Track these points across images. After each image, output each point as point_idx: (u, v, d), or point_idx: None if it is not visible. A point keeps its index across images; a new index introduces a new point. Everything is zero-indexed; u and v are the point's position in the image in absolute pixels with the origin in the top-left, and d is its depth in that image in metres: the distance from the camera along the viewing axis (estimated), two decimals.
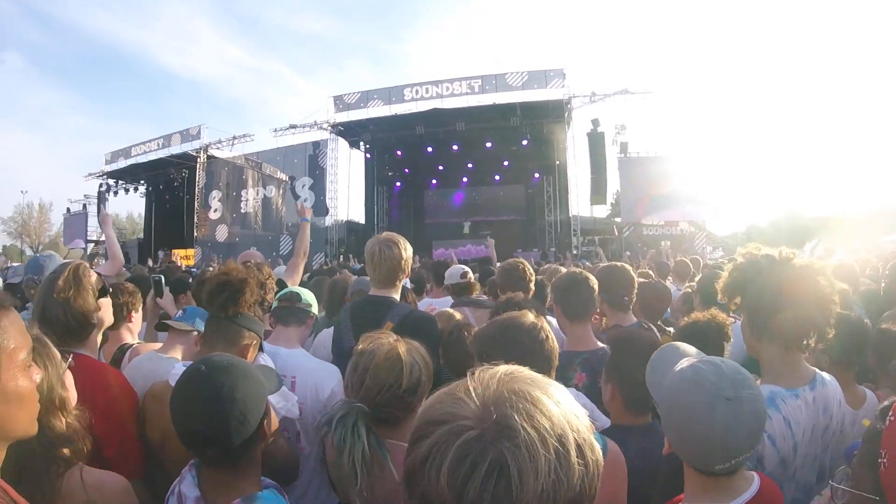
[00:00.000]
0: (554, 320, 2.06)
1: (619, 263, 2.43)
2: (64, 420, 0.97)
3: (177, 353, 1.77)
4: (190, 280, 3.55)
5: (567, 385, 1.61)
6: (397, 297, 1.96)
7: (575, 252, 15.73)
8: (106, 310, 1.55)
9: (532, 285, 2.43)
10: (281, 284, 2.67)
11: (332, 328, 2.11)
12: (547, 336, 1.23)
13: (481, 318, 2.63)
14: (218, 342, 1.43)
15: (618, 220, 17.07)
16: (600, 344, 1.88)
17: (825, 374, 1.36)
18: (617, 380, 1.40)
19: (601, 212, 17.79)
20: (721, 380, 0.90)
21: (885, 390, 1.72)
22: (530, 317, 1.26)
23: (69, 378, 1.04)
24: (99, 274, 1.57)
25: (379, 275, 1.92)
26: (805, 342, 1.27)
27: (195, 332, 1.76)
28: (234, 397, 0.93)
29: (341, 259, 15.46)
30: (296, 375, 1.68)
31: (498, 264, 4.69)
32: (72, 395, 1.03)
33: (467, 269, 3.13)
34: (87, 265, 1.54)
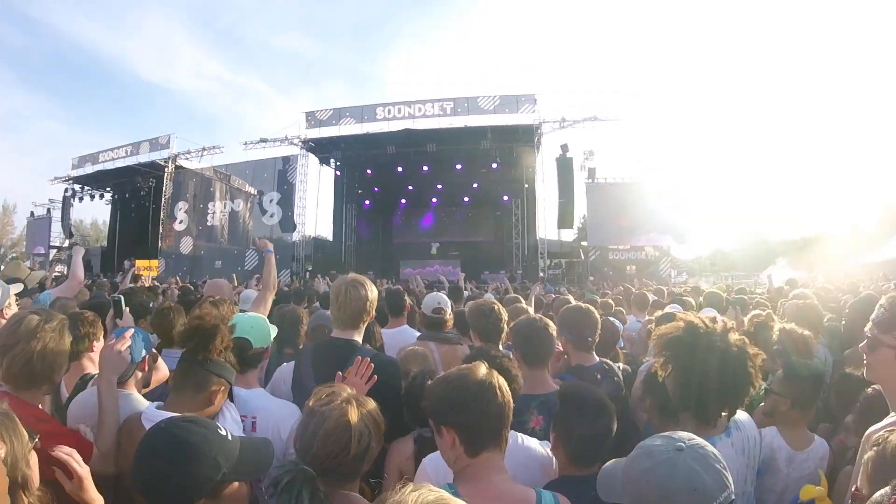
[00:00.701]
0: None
1: (583, 305, 2.49)
2: (26, 501, 0.94)
3: (132, 387, 1.73)
4: (151, 305, 3.47)
5: (524, 429, 1.67)
6: (360, 338, 1.96)
7: (541, 275, 15.87)
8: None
9: (505, 326, 2.35)
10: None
11: (291, 363, 2.07)
12: (496, 392, 1.21)
13: (447, 353, 2.61)
14: (187, 387, 1.46)
15: (584, 243, 17.31)
16: (556, 386, 1.92)
17: (740, 417, 1.42)
18: (561, 432, 1.46)
19: (568, 235, 18.06)
20: (667, 441, 0.94)
21: (848, 436, 1.78)
22: (481, 372, 1.24)
23: (34, 457, 1.01)
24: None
25: (343, 315, 1.91)
26: (718, 417, 1.35)
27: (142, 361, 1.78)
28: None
29: (307, 276, 15.25)
30: (256, 416, 1.70)
31: (468, 298, 4.61)
32: (35, 475, 1.00)
33: (444, 302, 2.91)
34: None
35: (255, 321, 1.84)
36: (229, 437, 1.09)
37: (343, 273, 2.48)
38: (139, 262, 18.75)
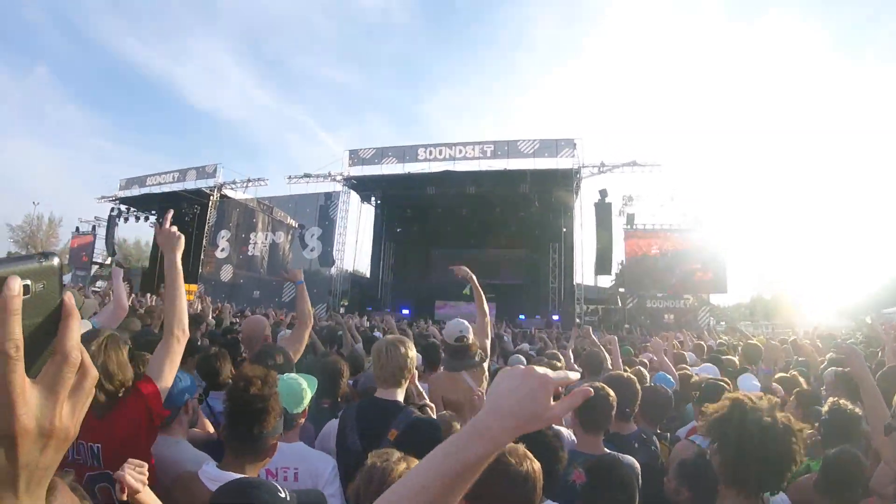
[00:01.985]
0: None
1: (625, 374, 2.55)
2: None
3: (180, 434, 1.84)
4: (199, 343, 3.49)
5: (566, 481, 1.73)
6: (402, 397, 2.03)
7: (578, 321, 15.71)
8: None
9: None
10: (286, 356, 2.56)
11: (336, 421, 2.15)
12: (523, 481, 1.23)
13: (475, 375, 2.66)
14: (247, 455, 1.51)
15: (622, 290, 17.12)
16: (606, 451, 2.02)
17: (779, 499, 1.47)
18: (589, 501, 1.54)
19: (605, 281, 17.91)
20: None
21: None
22: (512, 457, 1.26)
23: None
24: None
25: (384, 374, 2.00)
26: (762, 493, 1.40)
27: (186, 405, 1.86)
28: None
29: (342, 311, 15.45)
30: (298, 467, 1.79)
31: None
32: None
33: (465, 329, 2.85)
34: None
35: (289, 388, 1.85)
36: (287, 498, 1.17)
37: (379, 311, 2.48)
38: None
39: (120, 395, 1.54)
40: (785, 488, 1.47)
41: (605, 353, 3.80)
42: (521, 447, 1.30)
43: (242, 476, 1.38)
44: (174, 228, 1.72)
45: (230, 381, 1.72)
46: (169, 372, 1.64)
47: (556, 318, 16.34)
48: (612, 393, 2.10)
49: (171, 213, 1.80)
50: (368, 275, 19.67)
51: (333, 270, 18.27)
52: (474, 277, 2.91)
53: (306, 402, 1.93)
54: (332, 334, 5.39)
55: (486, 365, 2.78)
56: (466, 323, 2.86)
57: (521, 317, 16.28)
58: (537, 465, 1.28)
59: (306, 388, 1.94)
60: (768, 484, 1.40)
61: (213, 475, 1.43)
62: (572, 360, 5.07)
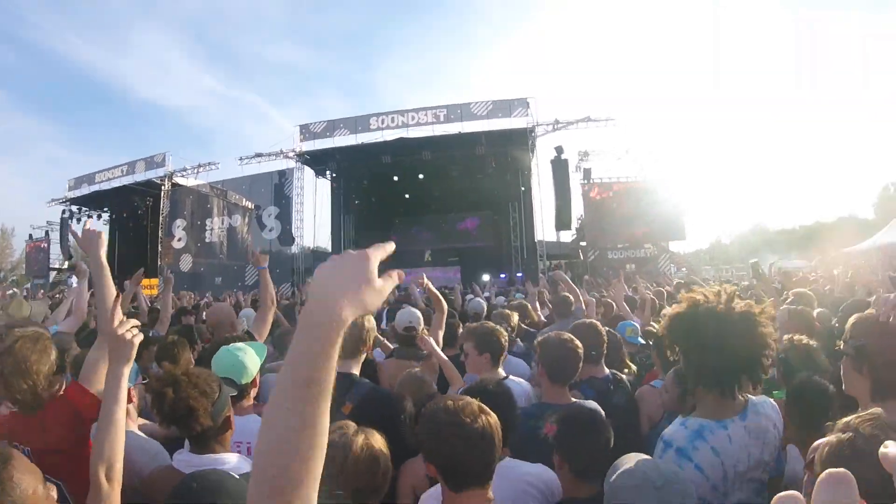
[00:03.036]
0: None
1: (587, 321, 2.64)
2: None
3: (131, 422, 1.81)
4: (150, 333, 3.40)
5: (537, 434, 1.75)
6: (357, 369, 1.97)
7: (541, 276, 15.87)
8: None
9: (505, 341, 2.40)
10: (248, 337, 2.63)
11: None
12: (481, 435, 1.21)
13: (425, 367, 2.62)
14: (207, 441, 1.51)
15: (583, 244, 17.36)
16: (574, 400, 2.03)
17: (757, 400, 1.41)
18: (563, 451, 1.53)
19: (567, 236, 18.09)
20: (653, 472, 1.06)
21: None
22: (468, 413, 1.24)
23: None
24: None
25: (342, 345, 1.94)
26: (737, 385, 1.34)
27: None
28: None
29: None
30: (251, 442, 1.76)
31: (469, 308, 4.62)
32: None
33: (416, 318, 2.95)
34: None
35: (233, 359, 1.86)
36: (243, 481, 1.17)
37: None
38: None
39: (44, 396, 1.50)
40: (761, 381, 1.39)
41: (573, 297, 3.85)
42: (476, 403, 1.27)
43: (193, 475, 1.29)
44: (92, 228, 1.72)
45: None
46: (102, 373, 1.54)
47: (519, 275, 16.49)
48: (579, 344, 2.09)
49: (87, 221, 1.79)
50: (330, 249, 19.39)
51: (295, 248, 17.95)
52: (431, 285, 3.06)
53: (253, 371, 1.87)
54: (290, 311, 5.31)
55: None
56: (418, 314, 2.97)
57: (485, 276, 16.36)
58: (494, 418, 1.25)
59: (250, 356, 1.88)
60: (743, 374, 1.33)
61: (189, 461, 1.45)
62: (538, 306, 5.11)
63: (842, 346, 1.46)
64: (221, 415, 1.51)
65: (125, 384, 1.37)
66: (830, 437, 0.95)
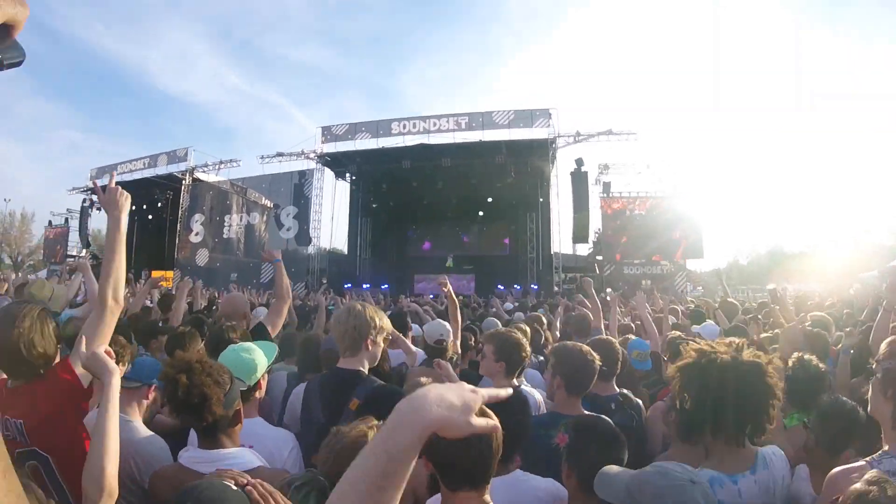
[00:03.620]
0: None
1: (605, 338, 2.61)
2: None
3: (136, 414, 1.82)
4: (160, 324, 3.47)
5: (549, 442, 1.75)
6: (365, 366, 1.95)
7: (556, 290, 15.80)
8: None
9: (525, 355, 2.38)
10: (262, 328, 2.66)
11: (304, 386, 2.13)
12: (478, 438, 1.20)
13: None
14: (216, 433, 1.49)
15: (600, 257, 17.24)
16: (586, 412, 2.01)
17: (767, 451, 1.42)
18: (573, 461, 1.51)
19: (583, 249, 17.99)
20: (683, 471, 1.05)
21: None
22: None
23: None
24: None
25: (345, 342, 1.92)
26: (743, 436, 1.36)
27: (147, 387, 1.84)
28: None
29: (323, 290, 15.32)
30: (252, 444, 1.72)
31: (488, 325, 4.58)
32: None
33: (446, 331, 2.95)
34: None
35: (239, 362, 1.79)
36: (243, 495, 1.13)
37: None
38: (154, 273, 19.01)
39: (41, 370, 1.50)
40: (766, 431, 1.39)
41: (592, 316, 3.79)
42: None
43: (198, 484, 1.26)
44: (119, 189, 1.61)
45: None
46: (103, 340, 1.53)
47: (534, 287, 16.42)
48: (597, 357, 2.08)
49: (114, 178, 1.72)
50: (346, 252, 19.50)
51: (311, 249, 18.07)
52: (450, 289, 3.13)
53: (260, 372, 1.84)
54: (301, 310, 5.27)
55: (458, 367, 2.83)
56: (448, 326, 2.94)
57: (500, 287, 16.30)
58: (495, 421, 1.27)
59: (257, 357, 1.84)
60: (748, 424, 1.34)
61: (199, 457, 1.42)
62: (558, 325, 5.05)
63: (873, 366, 1.44)
64: (233, 406, 1.48)
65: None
66: (858, 486, 0.97)
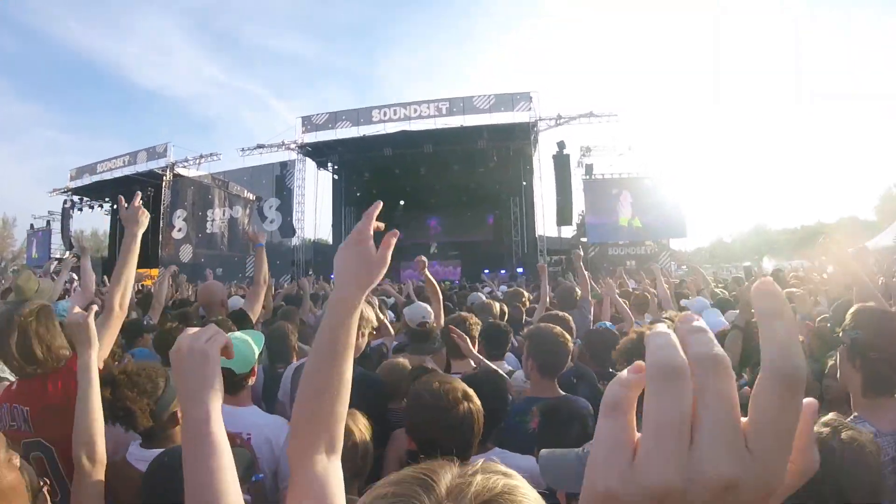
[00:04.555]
0: None
1: (560, 313, 2.63)
2: None
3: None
4: (145, 322, 3.43)
5: (524, 428, 1.78)
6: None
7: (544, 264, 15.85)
8: None
9: (477, 335, 2.42)
10: (242, 314, 2.67)
11: (294, 366, 2.17)
12: (456, 411, 1.24)
13: (438, 360, 2.68)
14: (156, 437, 1.51)
15: (584, 239, 17.34)
16: (561, 392, 2.01)
17: None
18: (544, 445, 1.51)
19: (567, 232, 18.07)
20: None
21: None
22: (446, 389, 1.27)
23: None
24: None
25: None
26: None
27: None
28: None
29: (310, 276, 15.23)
30: (251, 432, 1.77)
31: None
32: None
33: (427, 312, 2.94)
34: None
35: (238, 350, 1.86)
36: None
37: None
38: (140, 271, 18.79)
39: (53, 364, 1.55)
40: None
41: (581, 289, 3.80)
42: (462, 388, 1.28)
43: (164, 451, 1.30)
44: (141, 208, 1.79)
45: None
46: (106, 346, 1.64)
47: (520, 270, 16.48)
48: (568, 338, 2.08)
49: (139, 197, 1.84)
50: (331, 241, 19.41)
51: (295, 240, 17.96)
52: (427, 272, 3.10)
53: (251, 361, 1.86)
54: (291, 299, 5.22)
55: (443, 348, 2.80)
56: (429, 308, 2.92)
57: (486, 271, 16.34)
58: (476, 404, 1.27)
59: (248, 347, 1.85)
60: None
61: (139, 455, 1.45)
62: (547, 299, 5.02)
63: (840, 335, 1.44)
64: (166, 412, 1.49)
65: (94, 366, 1.40)
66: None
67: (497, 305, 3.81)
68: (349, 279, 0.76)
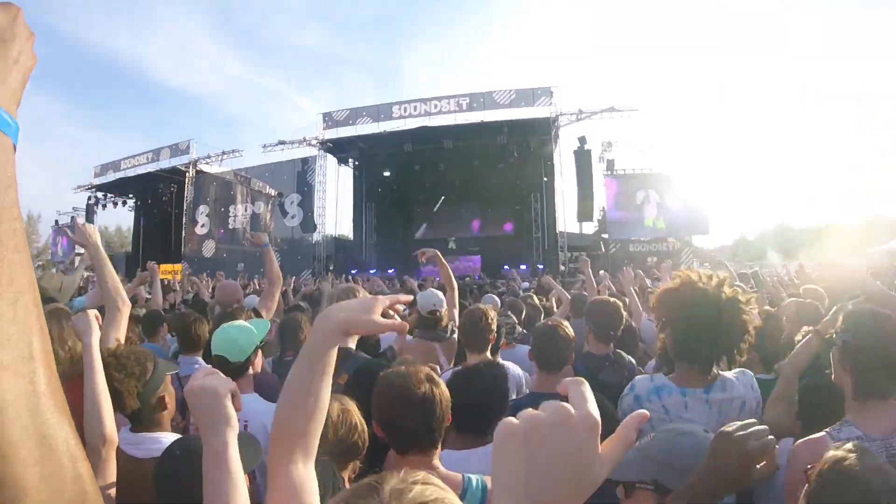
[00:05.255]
0: None
1: (612, 299, 2.57)
2: None
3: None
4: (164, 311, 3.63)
5: None
6: (353, 343, 2.03)
7: (562, 268, 15.78)
8: None
9: (492, 336, 2.41)
10: (256, 314, 2.68)
11: None
12: (420, 400, 1.25)
13: (447, 348, 2.71)
14: (143, 421, 1.55)
15: (605, 236, 17.18)
16: None
17: (731, 376, 1.47)
18: None
19: (588, 228, 17.92)
20: (693, 427, 1.08)
21: None
22: (410, 377, 1.28)
23: None
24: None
25: None
26: (714, 363, 1.43)
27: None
28: None
29: (329, 276, 15.39)
30: (248, 419, 1.80)
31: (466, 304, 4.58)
32: None
33: (439, 301, 2.89)
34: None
35: (228, 339, 1.88)
36: None
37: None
38: (163, 267, 19.15)
39: (72, 364, 1.59)
40: (738, 362, 1.47)
41: (590, 295, 3.74)
42: (426, 371, 1.31)
43: (173, 442, 1.34)
44: (84, 224, 1.95)
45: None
46: (114, 340, 1.74)
47: (540, 266, 16.40)
48: (569, 331, 2.06)
49: (80, 219, 1.96)
50: (352, 237, 19.55)
51: (316, 236, 18.12)
52: (439, 254, 3.02)
53: (248, 349, 1.89)
54: (309, 298, 5.34)
55: (455, 337, 2.79)
56: (441, 296, 2.87)
57: (505, 267, 16.29)
58: (441, 389, 1.28)
59: (246, 334, 1.89)
60: (719, 354, 1.41)
61: (130, 439, 1.48)
62: (555, 305, 5.01)
63: (833, 337, 1.43)
64: (154, 395, 1.51)
65: (97, 348, 1.45)
66: (837, 452, 0.94)
67: (522, 305, 3.85)
68: (341, 314, 0.80)
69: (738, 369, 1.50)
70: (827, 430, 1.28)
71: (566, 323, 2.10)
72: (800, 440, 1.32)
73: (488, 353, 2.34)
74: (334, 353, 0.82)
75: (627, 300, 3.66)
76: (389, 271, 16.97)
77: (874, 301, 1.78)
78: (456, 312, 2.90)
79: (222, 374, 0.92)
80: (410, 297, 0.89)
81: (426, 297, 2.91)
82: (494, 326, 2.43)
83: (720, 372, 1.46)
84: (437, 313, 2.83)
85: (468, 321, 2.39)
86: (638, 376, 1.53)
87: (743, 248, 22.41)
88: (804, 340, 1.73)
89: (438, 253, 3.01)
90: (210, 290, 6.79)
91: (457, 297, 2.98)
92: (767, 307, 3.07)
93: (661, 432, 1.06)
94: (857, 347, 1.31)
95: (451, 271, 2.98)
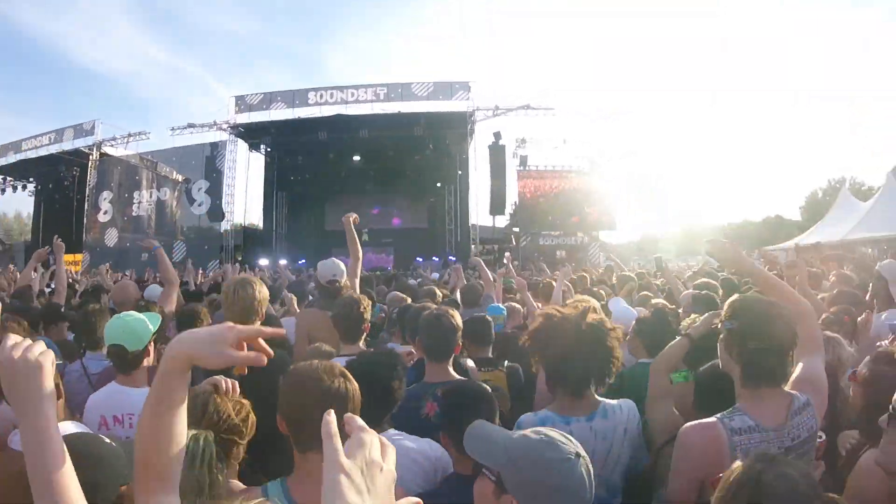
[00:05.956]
0: None
1: (480, 316, 2.58)
2: None
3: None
4: (62, 309, 3.29)
5: (418, 414, 1.76)
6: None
7: (476, 255, 16.00)
8: None
9: (365, 325, 2.38)
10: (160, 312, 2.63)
11: None
12: (337, 392, 1.21)
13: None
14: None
15: (516, 229, 17.63)
16: (456, 375, 1.98)
17: (613, 403, 1.52)
18: (447, 428, 1.51)
19: (501, 221, 18.33)
20: (567, 441, 0.99)
21: None
22: (315, 368, 1.25)
23: None
24: None
25: (232, 315, 1.96)
26: (587, 388, 1.48)
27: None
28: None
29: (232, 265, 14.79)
30: (134, 414, 1.72)
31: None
32: None
33: (339, 270, 2.87)
34: None
35: (125, 326, 1.84)
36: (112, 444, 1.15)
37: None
38: (65, 257, 17.73)
39: None
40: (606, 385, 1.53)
41: (485, 286, 3.83)
42: (339, 367, 1.25)
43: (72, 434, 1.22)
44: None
45: None
46: None
47: (452, 259, 16.58)
48: (456, 319, 2.01)
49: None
50: (262, 227, 18.95)
51: (224, 225, 17.42)
52: (351, 220, 2.94)
53: (145, 338, 1.84)
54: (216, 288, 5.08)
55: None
56: (342, 266, 2.88)
57: (419, 259, 16.36)
58: (353, 385, 1.23)
59: (141, 324, 1.83)
60: (589, 379, 1.47)
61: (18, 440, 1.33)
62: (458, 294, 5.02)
63: (719, 326, 1.44)
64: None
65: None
66: (745, 462, 0.92)
67: (439, 292, 3.94)
68: (187, 345, 0.76)
69: (621, 399, 1.55)
70: (718, 415, 1.27)
71: (453, 311, 2.07)
72: (688, 423, 1.31)
73: (360, 344, 2.27)
74: (184, 384, 0.78)
75: (519, 296, 3.76)
76: (300, 262, 16.58)
77: (755, 279, 1.82)
78: (357, 282, 2.88)
79: (41, 345, 0.80)
80: (283, 331, 0.88)
81: (326, 266, 2.91)
82: (368, 316, 2.36)
83: (601, 399, 1.51)
84: (337, 282, 2.82)
85: (342, 311, 2.29)
86: (523, 415, 1.54)
87: (649, 244, 23.73)
88: (675, 341, 1.79)
89: (350, 221, 2.93)
90: (114, 283, 6.31)
91: (359, 268, 2.95)
92: (661, 300, 3.28)
93: (541, 433, 1.00)
94: (743, 334, 1.30)
95: (357, 240, 2.94)
